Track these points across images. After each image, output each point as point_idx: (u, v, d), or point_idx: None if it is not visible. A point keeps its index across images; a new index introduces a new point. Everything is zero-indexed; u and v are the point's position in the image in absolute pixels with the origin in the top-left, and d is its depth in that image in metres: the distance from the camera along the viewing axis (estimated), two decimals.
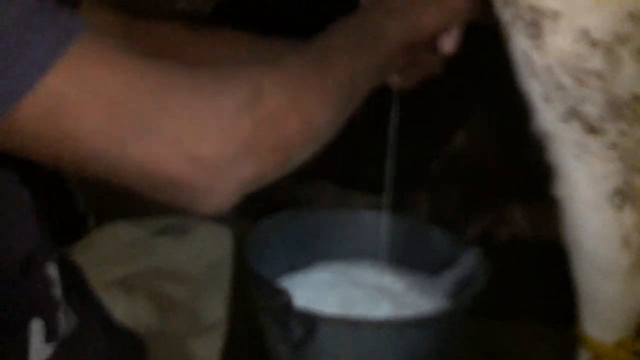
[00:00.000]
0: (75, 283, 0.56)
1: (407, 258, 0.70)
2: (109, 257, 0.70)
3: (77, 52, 0.34)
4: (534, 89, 0.39)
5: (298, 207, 0.75)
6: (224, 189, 0.37)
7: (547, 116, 0.39)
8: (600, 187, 0.40)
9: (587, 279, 0.44)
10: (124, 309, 0.67)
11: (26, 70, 0.33)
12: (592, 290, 0.44)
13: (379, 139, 0.64)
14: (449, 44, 0.50)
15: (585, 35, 0.37)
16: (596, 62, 0.37)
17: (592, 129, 0.39)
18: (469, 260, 0.66)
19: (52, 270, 0.48)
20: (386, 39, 0.46)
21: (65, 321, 0.48)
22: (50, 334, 0.45)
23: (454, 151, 0.97)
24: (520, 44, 0.38)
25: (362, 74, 0.44)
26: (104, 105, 0.34)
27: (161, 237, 0.72)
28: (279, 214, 0.69)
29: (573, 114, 0.38)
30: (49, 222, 0.47)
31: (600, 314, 0.45)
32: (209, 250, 0.73)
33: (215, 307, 0.71)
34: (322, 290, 0.65)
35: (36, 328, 0.44)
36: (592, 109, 0.38)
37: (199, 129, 0.35)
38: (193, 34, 0.63)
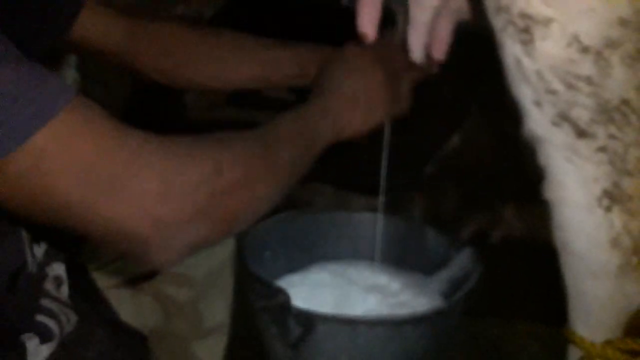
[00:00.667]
0: (82, 284, 0.57)
1: (402, 258, 0.71)
2: (116, 259, 0.71)
3: (65, 117, 0.37)
4: (525, 93, 0.39)
5: (296, 209, 0.75)
6: (176, 248, 0.41)
7: (538, 120, 0.39)
8: (590, 190, 0.40)
9: (576, 280, 0.44)
10: (129, 311, 0.67)
11: (18, 127, 0.36)
12: (582, 290, 0.45)
13: (375, 142, 0.65)
14: (439, 50, 0.52)
15: (576, 41, 0.37)
16: (587, 67, 0.37)
17: (582, 133, 0.39)
18: (462, 261, 0.66)
19: (59, 270, 0.49)
20: (319, 138, 0.54)
21: (65, 321, 0.48)
22: (44, 337, 0.47)
23: (449, 153, 0.97)
24: (511, 49, 0.38)
25: (298, 162, 0.51)
26: (82, 168, 0.38)
27: None
28: (277, 215, 0.69)
29: (563, 118, 0.39)
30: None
31: (590, 315, 0.45)
32: (212, 254, 0.73)
33: (218, 310, 0.72)
34: (320, 290, 0.66)
35: (29, 339, 0.46)
36: (583, 113, 0.38)
37: (164, 194, 0.39)
38: (194, 36, 0.64)
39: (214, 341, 0.71)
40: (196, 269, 0.73)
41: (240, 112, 1.21)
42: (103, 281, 0.65)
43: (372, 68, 0.58)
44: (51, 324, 0.47)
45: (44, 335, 0.47)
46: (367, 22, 0.52)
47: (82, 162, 0.38)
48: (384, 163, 0.63)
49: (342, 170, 1.04)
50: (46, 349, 0.47)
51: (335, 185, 1.04)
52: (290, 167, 0.50)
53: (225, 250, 0.74)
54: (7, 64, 0.36)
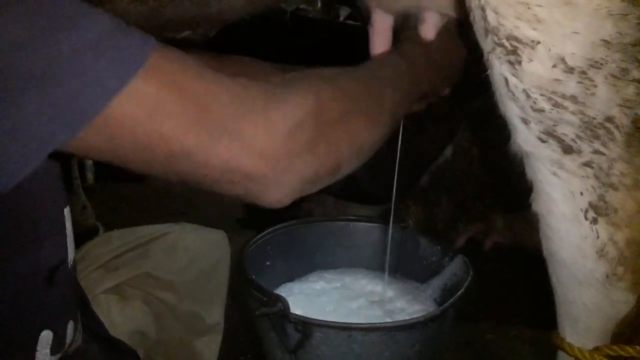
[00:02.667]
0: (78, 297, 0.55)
1: (398, 266, 0.70)
2: (104, 265, 0.70)
3: (162, 60, 0.36)
4: (513, 111, 0.39)
5: (297, 219, 0.75)
6: (289, 181, 0.41)
7: (525, 136, 0.40)
8: (576, 202, 0.41)
9: (564, 289, 0.45)
10: (119, 315, 0.66)
11: (120, 70, 0.35)
12: (570, 299, 0.45)
13: (375, 154, 0.65)
14: (428, 33, 0.55)
15: (561, 62, 0.37)
16: (572, 86, 0.38)
17: (568, 149, 0.39)
18: (455, 268, 0.66)
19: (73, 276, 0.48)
20: (419, 87, 0.53)
21: (74, 333, 0.47)
22: (56, 346, 0.45)
23: (443, 164, 0.97)
24: (499, 69, 0.38)
25: (400, 108, 0.50)
26: (194, 110, 0.37)
27: (154, 244, 0.72)
28: (277, 226, 0.69)
29: (550, 134, 0.39)
30: None
31: (578, 322, 0.45)
32: (199, 259, 0.73)
33: (212, 312, 0.71)
34: (318, 298, 0.66)
35: (45, 340, 0.44)
36: (568, 130, 0.39)
37: (271, 131, 0.39)
38: (222, 63, 0.64)
39: (208, 343, 0.70)
40: (182, 275, 0.72)
41: None
42: (92, 287, 0.64)
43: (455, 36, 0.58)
44: (65, 332, 0.46)
45: (56, 344, 0.45)
46: (380, 49, 0.55)
47: (192, 104, 0.37)
48: (397, 169, 0.63)
49: (342, 181, 1.04)
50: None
51: (335, 196, 1.04)
52: (391, 112, 0.48)
53: (215, 254, 0.73)
54: (98, 11, 0.35)
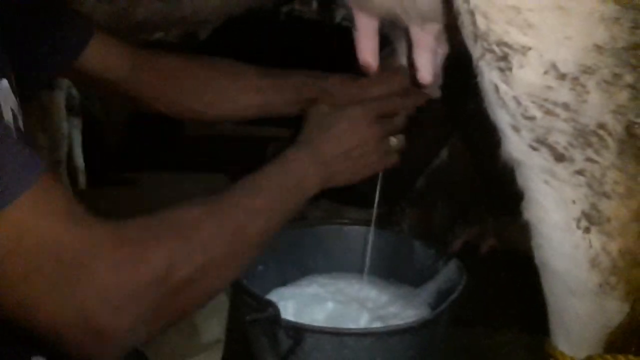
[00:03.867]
0: None
1: (391, 271, 0.70)
2: None
3: (24, 202, 0.34)
4: (503, 118, 0.38)
5: (290, 222, 0.75)
6: (113, 352, 0.38)
7: (516, 144, 0.39)
8: (568, 211, 0.40)
9: (557, 298, 0.44)
10: None
11: None
12: (563, 308, 0.44)
13: None
14: (425, 77, 0.53)
15: (553, 68, 0.36)
16: (564, 93, 0.37)
17: (560, 157, 0.38)
18: (449, 272, 0.65)
19: None
20: (305, 192, 0.51)
21: None
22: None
23: (438, 168, 0.96)
24: (489, 76, 0.37)
25: (277, 220, 0.48)
26: (25, 263, 0.34)
27: None
28: None
29: (541, 142, 0.38)
30: None
31: (571, 331, 0.45)
32: None
33: (212, 329, 0.70)
34: (311, 303, 0.65)
35: None
36: (560, 138, 0.38)
37: (106, 300, 0.36)
38: (196, 66, 0.63)
39: (210, 355, 0.70)
40: None
41: (238, 129, 1.20)
42: None
43: (365, 119, 0.55)
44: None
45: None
46: (367, 53, 0.53)
47: (29, 257, 0.34)
48: (379, 182, 0.62)
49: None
50: None
51: (329, 199, 1.03)
52: (264, 233, 0.46)
53: None
54: None
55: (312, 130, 0.55)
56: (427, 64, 0.52)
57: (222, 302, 0.72)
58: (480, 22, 0.36)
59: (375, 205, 0.65)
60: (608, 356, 0.44)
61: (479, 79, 0.38)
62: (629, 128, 0.38)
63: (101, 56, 0.58)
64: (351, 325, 0.62)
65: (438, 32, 0.50)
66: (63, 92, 1.00)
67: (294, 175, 0.50)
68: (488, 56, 0.36)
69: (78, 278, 0.35)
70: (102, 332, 0.36)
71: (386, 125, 0.57)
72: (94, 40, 0.58)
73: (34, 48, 0.54)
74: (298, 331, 0.55)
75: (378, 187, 0.63)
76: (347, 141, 0.54)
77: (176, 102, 0.63)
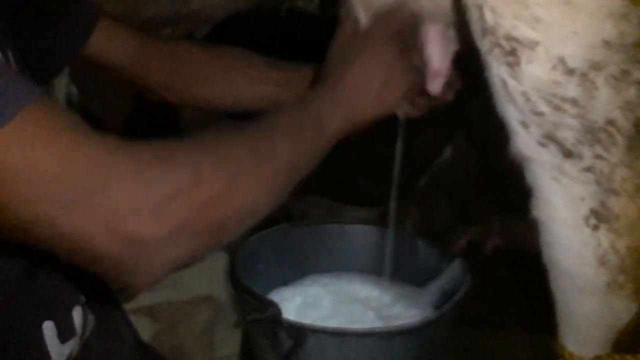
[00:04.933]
0: (110, 303, 0.54)
1: (394, 270, 0.70)
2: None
3: (23, 121, 0.33)
4: (512, 114, 0.39)
5: (292, 221, 0.75)
6: (153, 268, 0.36)
7: (525, 140, 0.39)
8: (577, 209, 0.40)
9: (565, 296, 0.44)
10: (147, 336, 0.66)
11: None
12: (571, 307, 0.44)
13: (371, 155, 0.64)
14: (436, 86, 0.51)
15: (561, 63, 0.37)
16: (572, 89, 0.37)
17: (568, 153, 0.39)
18: (453, 272, 0.66)
19: (61, 268, 0.47)
20: (328, 129, 0.47)
21: (83, 317, 0.47)
22: (64, 334, 0.44)
23: (442, 165, 0.97)
24: (497, 71, 0.38)
25: (301, 159, 0.45)
26: (43, 179, 0.33)
27: (186, 268, 0.72)
28: (270, 229, 0.68)
29: (550, 138, 0.38)
30: None
31: (579, 330, 0.45)
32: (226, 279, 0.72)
33: (230, 341, 0.70)
34: (312, 303, 0.65)
35: (50, 330, 0.43)
36: (569, 134, 0.38)
37: (135, 209, 0.34)
38: (205, 54, 0.63)
39: None
40: (211, 296, 0.71)
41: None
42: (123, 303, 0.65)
43: (383, 42, 0.50)
44: (68, 321, 0.44)
45: (66, 330, 0.44)
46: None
47: (42, 172, 0.33)
48: (394, 180, 0.61)
49: (338, 182, 1.04)
50: (67, 348, 0.44)
51: (331, 197, 1.03)
52: (289, 168, 0.43)
53: None
54: None
55: (332, 66, 0.51)
56: (439, 51, 0.49)
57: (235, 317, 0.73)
58: (489, 17, 0.36)
59: (392, 204, 0.64)
60: (616, 355, 0.44)
61: (487, 74, 0.39)
62: (637, 125, 0.38)
63: (107, 41, 0.58)
64: (354, 325, 0.62)
65: (445, 28, 0.50)
66: (63, 90, 1.00)
67: (313, 120, 0.47)
68: (496, 51, 0.37)
69: (104, 186, 0.34)
70: (135, 239, 0.34)
71: (401, 42, 0.51)
72: (100, 26, 0.58)
73: (43, 38, 0.53)
74: (299, 331, 0.55)
75: (394, 184, 0.62)
76: (362, 70, 0.50)
77: (184, 90, 0.63)
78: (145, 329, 0.66)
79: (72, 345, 0.45)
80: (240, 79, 0.64)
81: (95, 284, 0.52)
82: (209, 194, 0.37)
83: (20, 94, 0.33)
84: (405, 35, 0.51)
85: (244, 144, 0.42)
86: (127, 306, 0.66)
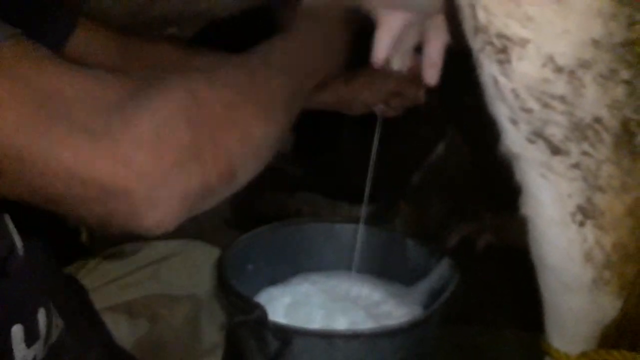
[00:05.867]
0: (81, 304, 0.55)
1: (384, 269, 0.71)
2: (115, 281, 0.70)
3: (7, 50, 0.31)
4: (502, 111, 0.40)
5: (284, 217, 0.75)
6: (167, 199, 0.33)
7: (514, 137, 0.40)
8: (564, 205, 0.41)
9: (552, 293, 0.45)
10: (126, 332, 0.66)
11: None
12: (557, 303, 0.46)
13: (365, 152, 0.66)
14: (432, 76, 0.53)
15: (550, 61, 0.38)
16: (561, 86, 0.38)
17: (556, 150, 0.40)
18: (442, 271, 0.67)
19: (29, 267, 0.47)
20: (318, 69, 0.47)
21: (47, 320, 0.47)
22: (30, 338, 0.44)
23: (434, 162, 0.98)
24: (489, 69, 0.39)
25: (294, 94, 0.44)
26: (32, 105, 0.31)
27: (165, 264, 0.72)
28: (259, 228, 0.69)
29: (538, 135, 0.40)
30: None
31: (566, 327, 0.46)
32: (210, 276, 0.72)
33: (213, 334, 0.71)
34: (302, 302, 0.66)
35: (18, 335, 0.43)
36: (557, 131, 0.40)
37: (131, 133, 0.32)
38: (185, 54, 0.63)
39: None
40: (191, 289, 0.72)
41: None
42: (99, 302, 0.65)
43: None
44: (35, 324, 0.43)
45: (32, 333, 0.42)
46: (379, 50, 0.49)
47: (33, 96, 0.31)
48: (369, 177, 0.64)
49: (331, 179, 1.05)
50: (31, 353, 0.43)
51: (323, 194, 1.04)
52: (284, 99, 0.42)
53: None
54: None
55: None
56: (384, 46, 0.50)
57: (220, 308, 0.73)
58: (481, 15, 0.37)
59: (365, 200, 0.66)
60: (602, 351, 0.45)
61: (478, 72, 0.40)
62: (624, 123, 0.40)
63: (87, 45, 0.59)
64: (343, 324, 0.63)
65: (409, 20, 0.51)
66: None
67: (307, 51, 0.47)
68: (488, 49, 0.38)
69: (100, 114, 0.32)
70: (140, 168, 0.32)
71: None
72: (78, 29, 0.58)
73: None
74: (286, 333, 0.55)
75: (367, 183, 0.65)
76: None
77: None
78: (123, 327, 0.66)
79: (36, 349, 0.44)
80: None
81: (66, 283, 0.52)
82: (209, 114, 0.35)
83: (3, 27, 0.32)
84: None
85: (240, 72, 0.40)
86: (104, 304, 0.66)
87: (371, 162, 0.64)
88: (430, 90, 0.60)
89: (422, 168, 0.99)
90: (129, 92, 0.34)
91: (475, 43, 0.39)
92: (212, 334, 0.71)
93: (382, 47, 0.50)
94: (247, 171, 0.38)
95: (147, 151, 0.32)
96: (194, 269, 0.73)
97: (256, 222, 0.70)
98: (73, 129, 0.31)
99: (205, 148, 0.35)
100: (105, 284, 0.70)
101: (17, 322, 0.43)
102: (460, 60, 0.43)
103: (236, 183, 0.38)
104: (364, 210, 0.67)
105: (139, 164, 0.32)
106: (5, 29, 0.33)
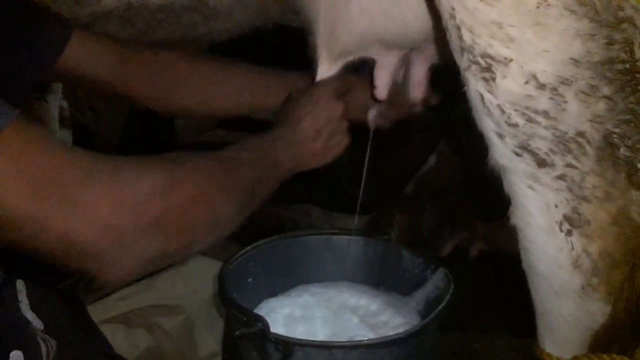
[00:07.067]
0: (80, 318, 0.56)
1: (381, 279, 0.72)
2: (111, 294, 0.72)
3: (8, 133, 0.37)
4: (489, 126, 0.42)
5: (283, 229, 0.76)
6: (130, 260, 0.41)
7: (501, 150, 0.42)
8: (551, 215, 0.43)
9: (542, 299, 0.47)
10: (123, 344, 0.67)
11: None
12: (548, 309, 0.47)
13: (360, 164, 0.67)
14: (418, 93, 0.60)
15: (533, 79, 0.40)
16: (544, 102, 0.40)
17: (542, 162, 0.42)
18: (437, 281, 0.68)
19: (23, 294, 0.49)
20: (280, 167, 0.56)
21: (46, 344, 0.48)
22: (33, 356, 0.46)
23: (427, 173, 1.00)
24: (475, 86, 0.41)
25: (259, 186, 0.52)
26: (33, 181, 0.38)
27: (160, 276, 0.73)
28: (259, 242, 0.70)
29: (524, 148, 0.41)
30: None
31: (556, 332, 0.48)
32: (204, 287, 0.74)
33: (209, 343, 0.72)
34: (301, 313, 0.67)
35: (17, 355, 0.45)
36: (542, 144, 0.41)
37: (116, 205, 0.40)
38: (184, 62, 0.65)
39: None
40: (187, 299, 0.73)
41: (229, 135, 1.21)
42: (96, 316, 0.65)
43: (334, 102, 0.61)
44: (35, 350, 0.46)
45: (32, 357, 0.46)
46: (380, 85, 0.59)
47: (32, 175, 0.38)
48: (363, 188, 0.65)
49: (328, 191, 1.06)
50: None
51: (321, 206, 1.05)
52: (251, 190, 0.50)
53: (216, 285, 0.74)
54: None
55: (291, 109, 0.60)
56: (385, 84, 0.59)
57: (217, 317, 0.73)
58: (466, 36, 0.39)
59: (357, 210, 0.68)
60: (593, 356, 0.47)
61: (465, 89, 0.42)
62: (606, 137, 0.42)
63: (83, 55, 0.60)
64: (342, 334, 0.64)
65: (403, 56, 0.56)
66: (56, 104, 1.00)
67: (269, 156, 0.55)
68: (474, 67, 0.40)
69: (88, 186, 0.39)
70: (114, 231, 0.39)
71: (348, 103, 0.62)
72: (73, 40, 0.59)
73: (12, 57, 0.55)
74: (287, 345, 0.56)
75: (360, 194, 0.66)
76: (314, 121, 0.60)
77: (165, 98, 0.65)
78: (121, 337, 0.67)
79: None
80: (219, 87, 0.66)
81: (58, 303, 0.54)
82: (182, 196, 0.43)
83: (2, 112, 0.37)
84: (343, 98, 0.61)
85: (214, 162, 0.48)
86: (102, 316, 0.67)
87: (364, 173, 0.66)
88: (425, 104, 0.64)
89: (415, 179, 1.01)
90: (117, 171, 0.41)
91: (462, 62, 0.41)
92: (210, 344, 0.72)
93: (383, 84, 0.59)
94: (204, 242, 0.47)
95: (123, 221, 0.40)
96: (189, 279, 0.75)
97: (253, 234, 0.71)
98: (65, 202, 0.38)
99: (172, 222, 0.43)
100: (101, 297, 0.70)
101: (15, 348, 0.45)
102: (448, 77, 0.45)
103: (192, 250, 0.46)
104: (357, 220, 0.69)
105: (114, 230, 0.39)
106: (7, 111, 0.38)
